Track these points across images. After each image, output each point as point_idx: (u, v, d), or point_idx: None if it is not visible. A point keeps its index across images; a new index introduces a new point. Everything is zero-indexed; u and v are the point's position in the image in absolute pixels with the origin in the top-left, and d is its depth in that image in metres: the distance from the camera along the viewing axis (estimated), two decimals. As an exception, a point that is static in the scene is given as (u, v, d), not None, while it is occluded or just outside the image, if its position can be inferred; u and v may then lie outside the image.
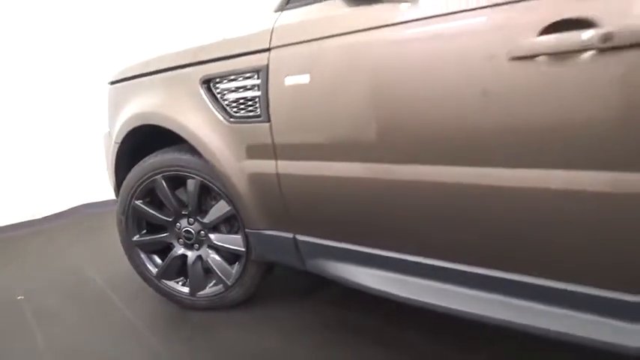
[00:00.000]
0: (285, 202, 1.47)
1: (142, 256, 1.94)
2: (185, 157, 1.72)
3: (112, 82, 2.05)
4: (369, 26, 1.17)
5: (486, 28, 0.99)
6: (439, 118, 1.08)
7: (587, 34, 0.85)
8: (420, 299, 1.25)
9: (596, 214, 0.92)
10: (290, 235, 1.52)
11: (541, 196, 0.96)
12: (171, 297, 1.94)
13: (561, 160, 0.93)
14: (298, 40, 1.31)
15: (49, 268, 2.56)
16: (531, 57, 0.92)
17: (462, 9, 1.01)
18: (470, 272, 1.15)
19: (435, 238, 1.20)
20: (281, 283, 2.07)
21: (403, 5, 1.11)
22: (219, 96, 1.55)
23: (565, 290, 1.02)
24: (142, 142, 1.90)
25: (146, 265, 1.95)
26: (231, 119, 1.52)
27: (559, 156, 0.93)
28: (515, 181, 0.99)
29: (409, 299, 1.27)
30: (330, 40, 1.24)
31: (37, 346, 1.76)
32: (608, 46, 0.84)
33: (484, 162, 1.03)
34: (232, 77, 1.50)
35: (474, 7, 0.99)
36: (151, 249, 1.95)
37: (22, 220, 3.39)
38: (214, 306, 1.88)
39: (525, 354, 1.42)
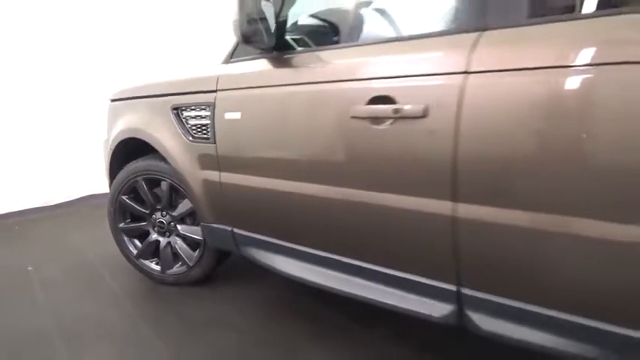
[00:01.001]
0: (225, 203, 1.97)
1: (126, 239, 2.46)
2: (159, 165, 2.22)
3: (112, 100, 2.57)
4: (275, 83, 1.67)
5: (338, 95, 1.47)
6: (314, 150, 1.57)
7: (388, 107, 1.33)
8: (314, 280, 1.70)
9: (418, 224, 1.37)
10: (229, 228, 2.01)
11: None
12: (146, 273, 2.46)
13: (381, 186, 1.40)
14: (233, 87, 1.81)
15: (55, 247, 3.10)
16: (361, 118, 1.41)
17: (325, 80, 1.50)
18: (344, 262, 1.62)
19: (319, 236, 1.68)
20: (238, 267, 2.56)
21: (296, 70, 1.60)
22: (184, 120, 2.06)
23: (394, 275, 1.48)
24: (130, 150, 2.41)
25: (128, 247, 2.47)
26: (191, 139, 2.03)
27: (379, 182, 1.41)
28: (367, 198, 1.45)
29: (305, 279, 1.74)
30: (252, 89, 1.74)
31: (38, 304, 2.28)
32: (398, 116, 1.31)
33: (347, 184, 1.50)
34: (193, 108, 2.00)
35: (330, 79, 1.48)
36: (132, 234, 2.46)
37: (37, 206, 3.94)
38: (179, 282, 2.39)
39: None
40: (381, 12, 1.79)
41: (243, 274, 2.49)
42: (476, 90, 1.18)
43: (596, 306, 1.12)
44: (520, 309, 1.25)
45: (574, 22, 1.11)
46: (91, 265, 2.74)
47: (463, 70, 1.20)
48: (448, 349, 1.77)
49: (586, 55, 1.03)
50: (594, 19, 1.08)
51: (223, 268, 2.45)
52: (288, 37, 1.79)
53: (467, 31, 1.23)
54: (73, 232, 3.39)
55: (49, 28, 3.82)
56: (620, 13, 1.04)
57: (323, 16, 1.90)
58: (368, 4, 1.90)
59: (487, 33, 1.20)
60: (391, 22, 1.78)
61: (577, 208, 1.07)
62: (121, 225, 2.44)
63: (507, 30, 1.18)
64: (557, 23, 1.13)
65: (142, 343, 1.92)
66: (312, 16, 1.90)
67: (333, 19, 1.89)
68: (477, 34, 1.21)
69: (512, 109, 1.13)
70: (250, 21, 1.54)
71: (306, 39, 1.86)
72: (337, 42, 1.87)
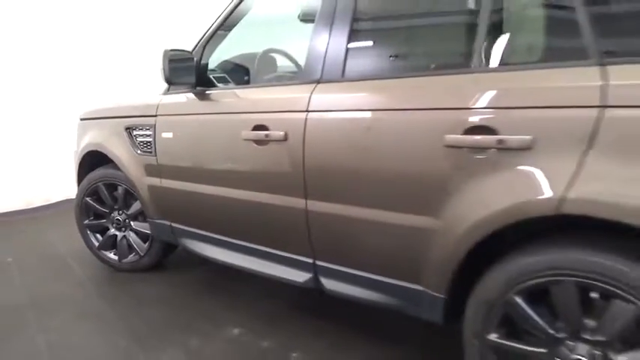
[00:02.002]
0: (164, 203, 2.51)
1: (89, 233, 2.98)
2: (116, 173, 2.75)
3: (81, 119, 3.10)
4: (195, 112, 2.22)
5: (234, 122, 2.03)
6: (219, 162, 2.12)
7: (261, 133, 1.89)
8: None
9: (287, 217, 1.92)
10: (168, 223, 2.55)
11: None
12: (106, 262, 2.98)
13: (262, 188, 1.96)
14: (167, 113, 2.37)
15: (33, 243, 3.60)
16: (247, 140, 1.96)
17: (226, 111, 2.06)
18: (242, 245, 2.17)
19: (227, 226, 2.22)
20: (183, 258, 3.08)
21: (208, 103, 2.16)
22: (134, 138, 2.60)
23: (274, 253, 2.03)
24: (94, 160, 2.93)
25: (91, 240, 2.99)
26: (139, 152, 2.57)
27: (260, 185, 1.96)
28: (253, 197, 2.00)
29: (217, 259, 2.29)
30: (180, 115, 2.30)
31: (15, 286, 2.79)
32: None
33: (240, 187, 2.05)
34: (140, 128, 2.55)
35: (229, 111, 2.04)
36: (95, 229, 2.98)
37: (18, 209, 4.44)
38: (133, 269, 2.91)
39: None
40: (269, 62, 2.37)
41: (187, 263, 3.02)
42: (313, 122, 1.75)
43: (397, 269, 1.67)
44: (354, 274, 1.80)
45: (372, 82, 1.68)
46: (62, 257, 3.25)
47: (305, 108, 1.76)
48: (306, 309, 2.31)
49: (367, 103, 1.61)
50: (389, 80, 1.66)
51: (172, 258, 2.98)
52: (210, 75, 2.36)
53: (310, 83, 1.80)
54: (50, 231, 3.89)
55: (33, 37, 4.32)
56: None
57: (236, 61, 2.47)
58: (266, 53, 2.48)
59: (319, 85, 1.77)
60: (273, 70, 2.35)
61: (380, 204, 1.62)
62: (86, 222, 2.97)
63: (331, 84, 1.75)
64: (362, 81, 1.71)
65: (98, 314, 2.44)
66: (227, 61, 2.46)
67: (242, 63, 2.46)
68: (314, 84, 1.78)
69: (334, 136, 1.70)
70: (172, 68, 2.10)
71: (226, 77, 2.43)
72: (247, 80, 2.43)
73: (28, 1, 4.28)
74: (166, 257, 2.95)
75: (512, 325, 1.41)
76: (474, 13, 1.53)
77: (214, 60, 2.40)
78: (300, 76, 1.92)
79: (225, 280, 2.74)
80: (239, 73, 2.44)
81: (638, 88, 1.16)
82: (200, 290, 2.65)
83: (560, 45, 1.37)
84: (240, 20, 2.27)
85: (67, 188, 4.56)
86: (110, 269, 2.98)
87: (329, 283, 1.89)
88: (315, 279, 1.93)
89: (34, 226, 4.08)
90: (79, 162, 3.03)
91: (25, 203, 4.51)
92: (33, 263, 3.17)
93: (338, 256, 1.83)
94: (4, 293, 2.72)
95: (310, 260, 1.92)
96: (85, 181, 2.92)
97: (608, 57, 1.22)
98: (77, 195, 2.97)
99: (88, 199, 2.92)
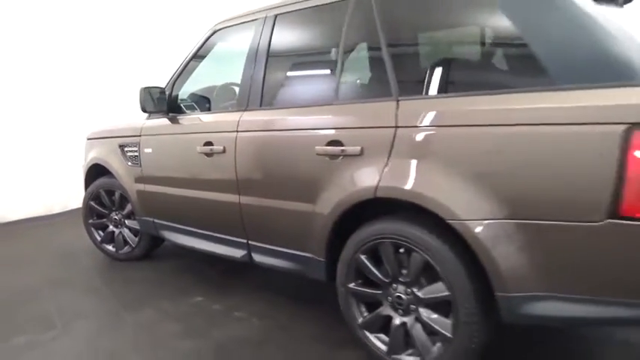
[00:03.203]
0: (148, 204, 3.22)
1: (93, 230, 3.72)
2: (113, 181, 3.49)
3: (87, 138, 3.86)
4: (167, 132, 2.94)
5: (193, 140, 2.74)
6: (184, 171, 2.83)
7: (208, 147, 2.60)
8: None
9: (228, 209, 2.60)
10: (151, 219, 3.26)
11: (221, 203, 2.63)
12: (106, 253, 3.70)
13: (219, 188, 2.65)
14: (147, 134, 3.09)
15: (51, 242, 4.35)
16: (200, 153, 2.67)
17: (187, 132, 2.78)
18: (202, 232, 2.86)
19: (201, 220, 2.91)
20: (170, 251, 3.79)
21: (177, 125, 2.88)
22: (125, 153, 3.33)
23: (222, 237, 2.72)
24: (97, 171, 3.67)
25: (95, 236, 3.72)
26: (130, 164, 3.30)
27: (210, 187, 2.65)
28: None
29: (187, 246, 2.98)
30: (157, 135, 3.02)
31: (33, 272, 3.53)
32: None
33: (199, 189, 2.74)
34: (129, 145, 3.28)
35: (188, 131, 2.76)
36: (97, 227, 3.72)
37: (39, 215, 5.23)
38: (128, 258, 3.63)
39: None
40: (228, 92, 3.08)
41: (170, 254, 3.73)
42: (241, 139, 2.44)
43: (295, 243, 2.32)
44: (271, 249, 2.47)
45: (274, 110, 2.38)
46: (73, 251, 3.99)
47: (235, 129, 2.46)
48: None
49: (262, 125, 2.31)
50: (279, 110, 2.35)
51: (158, 251, 3.68)
52: (181, 104, 3.08)
53: (240, 110, 2.51)
54: (65, 232, 4.64)
55: (62, 59, 5.17)
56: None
57: (200, 93, 3.19)
58: (223, 86, 3.20)
59: (245, 112, 2.47)
60: (231, 98, 3.05)
61: (282, 196, 2.29)
62: (90, 221, 3.71)
63: (253, 111, 2.45)
64: (270, 110, 2.40)
65: (97, 290, 3.15)
66: (193, 93, 3.18)
67: (205, 94, 3.18)
68: (242, 111, 2.48)
69: (253, 149, 2.39)
70: (146, 100, 2.83)
71: (194, 105, 3.14)
72: (209, 108, 3.14)
73: (58, 22, 5.14)
74: (154, 249, 3.66)
75: (363, 276, 2.06)
76: (334, 62, 2.21)
77: (186, 91, 3.12)
78: (237, 104, 2.62)
79: (197, 265, 3.43)
80: (203, 102, 3.15)
81: (414, 115, 1.83)
82: (177, 273, 3.35)
83: (377, 86, 2.05)
84: (203, 60, 3.00)
85: (83, 197, 5.35)
86: (109, 259, 3.69)
87: (257, 257, 2.56)
88: (249, 254, 2.60)
89: (52, 229, 4.84)
90: (85, 173, 3.78)
91: (46, 210, 5.30)
92: (49, 256, 3.91)
93: (261, 236, 2.51)
94: (25, 277, 3.45)
95: (245, 241, 2.60)
96: (89, 189, 3.66)
97: (400, 95, 1.89)
98: (84, 199, 3.72)
99: (92, 202, 3.66)
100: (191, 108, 3.13)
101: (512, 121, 1.58)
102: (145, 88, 2.86)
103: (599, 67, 1.49)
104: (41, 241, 4.41)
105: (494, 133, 1.62)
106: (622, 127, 1.39)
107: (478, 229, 1.64)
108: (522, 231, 1.58)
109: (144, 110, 2.91)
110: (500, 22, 1.80)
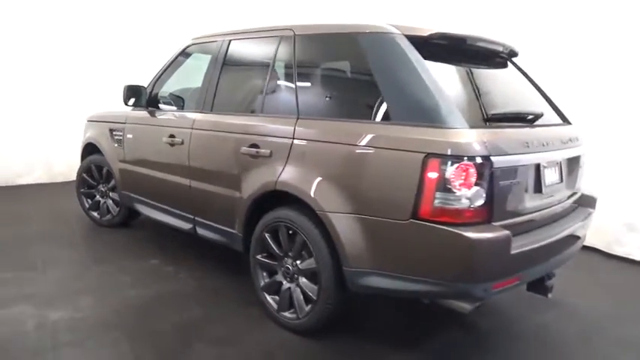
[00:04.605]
0: (126, 180, 3.87)
1: (83, 199, 4.40)
2: (102, 158, 4.15)
3: (87, 120, 4.54)
4: (144, 123, 3.59)
5: (162, 131, 3.37)
6: (154, 155, 3.47)
7: (168, 139, 3.23)
8: (164, 221, 3.56)
9: (182, 190, 3.23)
10: (129, 193, 3.91)
11: (177, 185, 3.26)
12: (91, 218, 4.37)
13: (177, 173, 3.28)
14: (131, 122, 3.75)
15: (50, 205, 5.04)
16: (166, 143, 3.31)
17: (159, 124, 3.42)
18: (163, 207, 3.50)
19: (160, 197, 3.55)
20: (142, 222, 4.44)
21: (152, 117, 3.53)
22: (114, 136, 3.99)
23: (177, 212, 3.35)
24: (91, 149, 4.34)
25: (84, 203, 4.40)
26: (116, 146, 3.95)
27: (171, 171, 3.29)
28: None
29: (155, 218, 3.62)
30: (137, 124, 3.67)
31: (30, 227, 4.22)
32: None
33: (164, 172, 3.38)
34: (116, 130, 3.94)
35: (160, 124, 3.40)
36: (87, 196, 4.38)
37: (44, 182, 5.95)
38: (109, 224, 4.28)
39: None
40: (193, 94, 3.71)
41: (145, 225, 4.38)
42: (194, 135, 3.07)
43: (225, 220, 2.93)
44: (209, 224, 3.09)
45: (217, 114, 3.00)
46: (65, 214, 4.66)
47: (191, 126, 3.09)
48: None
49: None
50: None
51: (136, 222, 4.34)
52: (161, 101, 3.72)
53: (196, 111, 3.13)
54: (63, 199, 5.32)
55: (75, 53, 5.88)
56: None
57: (177, 93, 3.82)
58: (195, 88, 3.83)
59: (200, 113, 3.10)
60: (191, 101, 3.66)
61: (218, 183, 2.91)
62: (82, 190, 4.38)
63: (204, 113, 3.07)
64: (214, 114, 3.02)
65: (77, 247, 3.81)
66: (171, 93, 3.81)
67: (181, 94, 3.81)
68: (196, 113, 3.11)
69: (200, 144, 3.02)
70: (127, 95, 3.48)
71: (171, 102, 3.78)
72: (183, 106, 3.77)
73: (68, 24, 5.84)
74: (132, 220, 4.31)
75: (267, 250, 2.67)
76: (264, 81, 2.81)
77: (165, 90, 3.76)
78: (195, 106, 3.24)
79: (163, 237, 4.07)
80: (178, 100, 3.78)
81: (303, 131, 2.44)
82: (144, 241, 3.99)
83: (287, 105, 2.64)
84: (180, 66, 3.64)
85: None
86: (93, 224, 4.36)
87: (200, 231, 3.19)
88: (194, 228, 3.23)
89: (52, 195, 5.54)
90: (82, 149, 4.46)
91: (49, 178, 6.03)
92: (44, 216, 4.60)
93: (203, 213, 3.13)
94: (22, 230, 4.13)
95: (192, 216, 3.23)
96: (83, 163, 4.34)
97: (300, 116, 2.50)
98: (78, 172, 4.40)
99: (84, 174, 4.33)
100: (169, 104, 3.77)
101: (356, 142, 2.18)
102: (128, 85, 3.51)
103: (419, 112, 2.08)
104: (40, 204, 5.11)
105: (343, 149, 2.23)
106: (422, 155, 1.97)
107: (334, 219, 2.23)
108: (359, 223, 2.18)
109: (125, 104, 3.56)
110: (364, 71, 2.41)
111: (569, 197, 2.63)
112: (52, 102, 5.95)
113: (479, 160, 1.95)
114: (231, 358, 2.34)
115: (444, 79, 2.21)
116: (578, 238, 2.61)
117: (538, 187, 2.27)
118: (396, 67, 2.20)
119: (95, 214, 4.36)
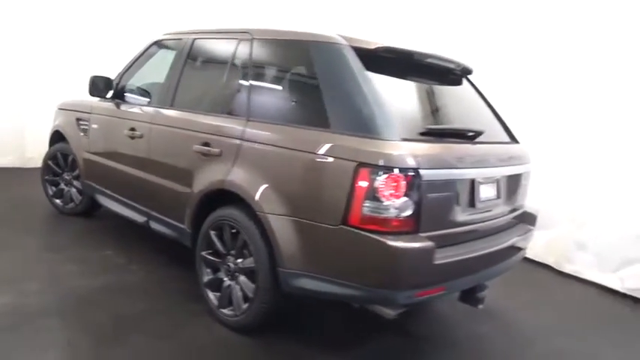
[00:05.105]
0: (89, 170, 3.90)
1: (47, 185, 4.41)
2: (68, 147, 4.17)
3: (58, 108, 4.55)
4: (108, 114, 3.63)
5: (125, 123, 3.41)
6: (117, 148, 3.51)
7: (130, 132, 3.27)
8: (121, 212, 3.59)
9: (138, 183, 3.27)
10: (91, 183, 3.94)
11: (135, 177, 3.30)
12: (54, 206, 4.38)
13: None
14: (96, 113, 3.78)
15: (18, 190, 5.05)
16: (127, 136, 3.35)
17: (123, 117, 3.46)
18: (121, 199, 3.54)
19: (121, 189, 3.59)
20: (103, 213, 4.46)
21: (117, 110, 3.56)
22: (80, 125, 4.01)
23: (133, 205, 3.39)
24: (59, 137, 4.36)
25: (48, 190, 4.41)
26: (82, 134, 3.98)
27: (134, 164, 3.33)
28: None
29: (118, 213, 3.65)
30: (101, 115, 3.71)
31: (-8, 210, 4.24)
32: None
33: (127, 165, 3.41)
34: (82, 119, 3.96)
35: (124, 117, 3.44)
36: (51, 183, 4.40)
37: (16, 166, 5.94)
38: (71, 213, 4.30)
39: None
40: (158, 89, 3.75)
41: (106, 216, 4.40)
42: (153, 129, 3.11)
43: (176, 216, 2.98)
44: (161, 218, 3.13)
45: (175, 110, 3.05)
46: (29, 200, 4.66)
47: (150, 120, 3.14)
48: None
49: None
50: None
51: (98, 213, 4.36)
52: (127, 93, 3.74)
53: (158, 106, 3.18)
54: (29, 185, 5.27)
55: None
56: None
57: (143, 87, 3.85)
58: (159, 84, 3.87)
59: (160, 108, 3.14)
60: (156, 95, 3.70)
61: (170, 177, 2.96)
62: (46, 177, 4.39)
63: (163, 109, 3.12)
64: (173, 110, 3.07)
65: (33, 232, 3.84)
66: (139, 86, 3.84)
67: (146, 88, 3.85)
68: (157, 108, 3.16)
69: (159, 138, 3.06)
70: (92, 86, 3.51)
71: (138, 96, 3.81)
72: (149, 100, 3.81)
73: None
74: (95, 210, 4.33)
75: (212, 247, 2.72)
76: (220, 81, 2.87)
77: (132, 83, 3.79)
78: (158, 101, 3.28)
79: (121, 229, 4.09)
80: (146, 94, 3.82)
81: (251, 132, 2.50)
82: (102, 231, 4.02)
83: (240, 106, 2.70)
84: (148, 61, 3.67)
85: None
86: (56, 211, 4.37)
87: (153, 224, 3.23)
88: (148, 221, 3.27)
89: (19, 180, 5.53)
90: (50, 136, 4.47)
91: (21, 163, 6.02)
92: (7, 200, 4.62)
93: (156, 207, 3.17)
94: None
95: (146, 210, 3.27)
96: (48, 151, 4.36)
97: (249, 117, 2.56)
98: (43, 158, 4.41)
99: (50, 161, 4.34)
100: (135, 97, 3.80)
101: (296, 147, 2.25)
102: (94, 76, 3.55)
103: (356, 122, 2.15)
104: (6, 188, 5.12)
105: (285, 153, 2.29)
106: (354, 164, 2.04)
107: (272, 220, 2.29)
108: (295, 225, 2.24)
109: (91, 94, 3.59)
110: (311, 79, 2.47)
111: (509, 212, 2.72)
112: (28, 88, 5.95)
113: (409, 172, 2.02)
114: (165, 351, 2.39)
115: (387, 92, 2.29)
116: (516, 251, 2.69)
117: (471, 202, 2.35)
118: (338, 77, 2.27)
119: (58, 201, 4.37)
